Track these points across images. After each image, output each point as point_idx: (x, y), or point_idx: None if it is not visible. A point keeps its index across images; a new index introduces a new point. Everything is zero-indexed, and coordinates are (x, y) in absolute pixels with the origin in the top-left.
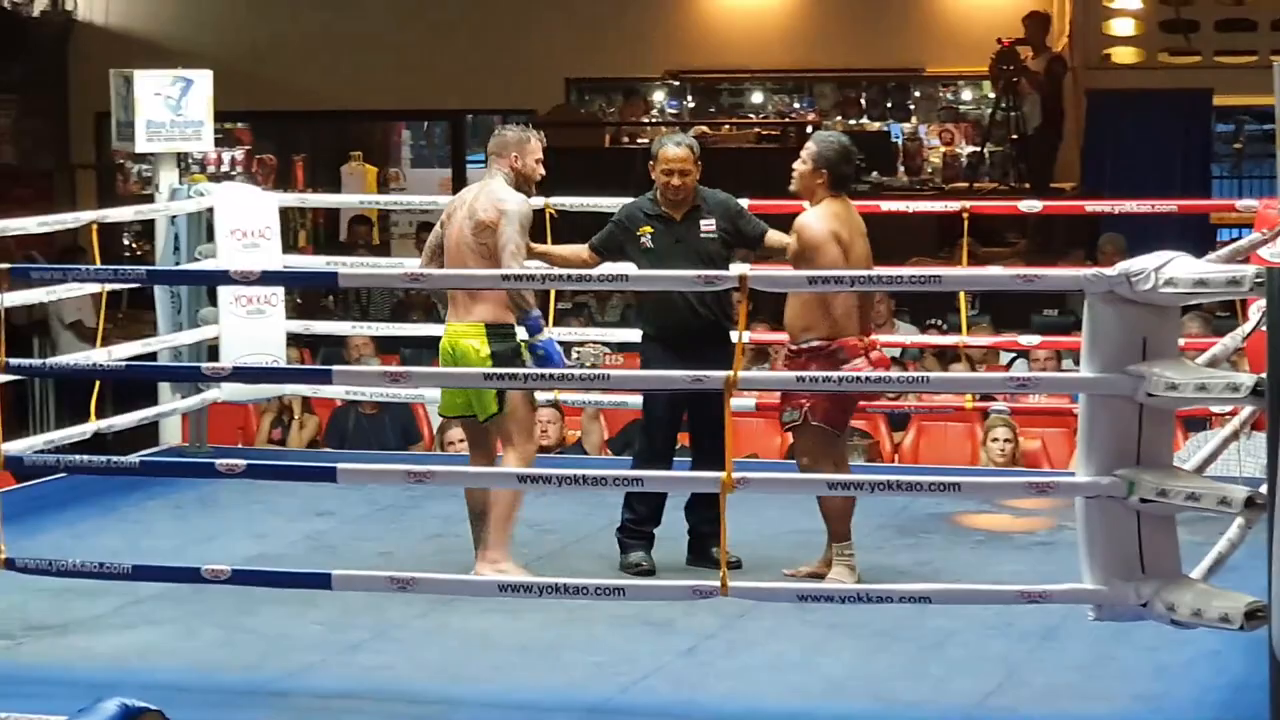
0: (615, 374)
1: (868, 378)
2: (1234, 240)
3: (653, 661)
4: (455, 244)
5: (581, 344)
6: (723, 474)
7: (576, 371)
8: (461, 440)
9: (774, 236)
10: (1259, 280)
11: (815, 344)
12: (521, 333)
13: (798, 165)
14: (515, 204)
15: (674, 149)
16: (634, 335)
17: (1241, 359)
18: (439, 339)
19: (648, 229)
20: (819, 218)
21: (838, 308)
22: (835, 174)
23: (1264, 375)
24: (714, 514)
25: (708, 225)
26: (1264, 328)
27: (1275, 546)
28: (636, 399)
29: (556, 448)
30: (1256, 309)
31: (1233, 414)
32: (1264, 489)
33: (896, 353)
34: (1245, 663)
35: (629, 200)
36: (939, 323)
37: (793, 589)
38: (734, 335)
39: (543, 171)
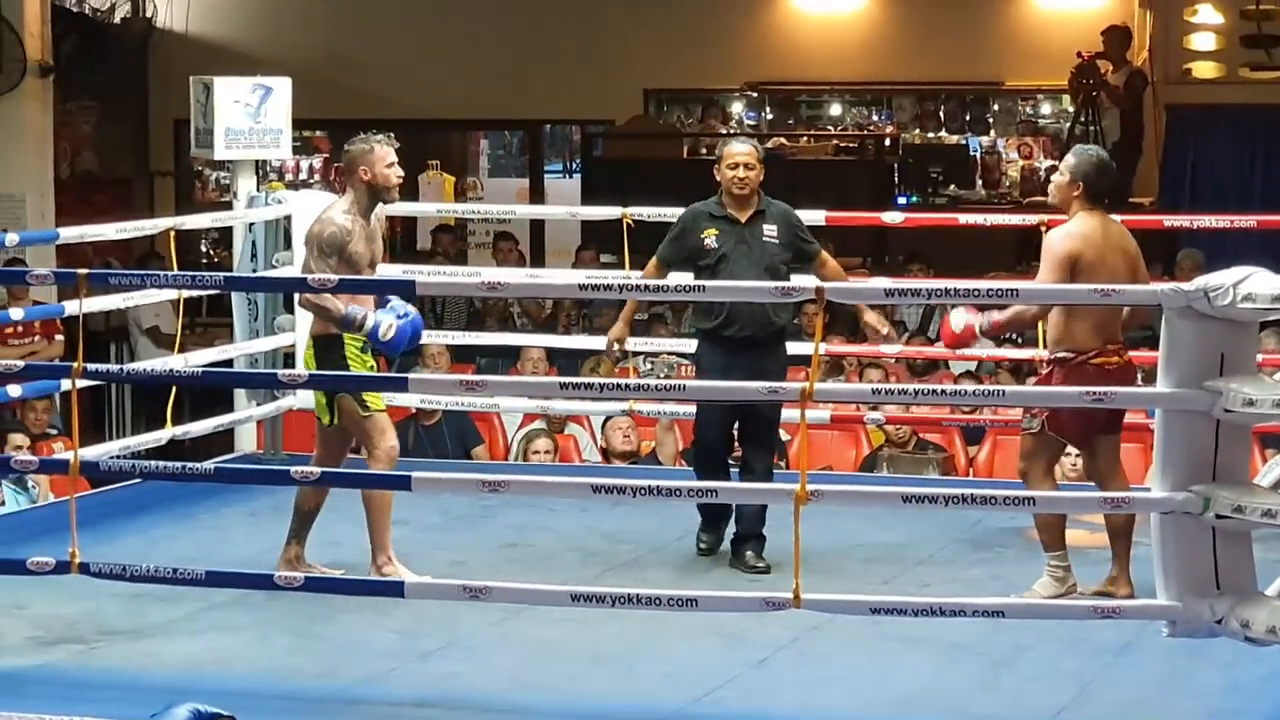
0: (691, 384)
1: (944, 391)
2: None
3: (724, 673)
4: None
5: (656, 355)
6: (796, 486)
7: (652, 382)
8: (547, 451)
9: (827, 259)
10: None
11: (1063, 354)
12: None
13: (1055, 177)
14: (324, 231)
15: (739, 144)
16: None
17: None
18: (515, 348)
19: (712, 230)
20: (1064, 235)
21: (1085, 320)
22: (1091, 187)
23: None
24: (753, 522)
25: (770, 230)
26: None
27: None
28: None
29: (632, 458)
30: None
31: None
32: None
33: (973, 366)
34: None
35: (694, 205)
36: (1016, 338)
37: (865, 601)
38: (794, 344)
39: (399, 175)
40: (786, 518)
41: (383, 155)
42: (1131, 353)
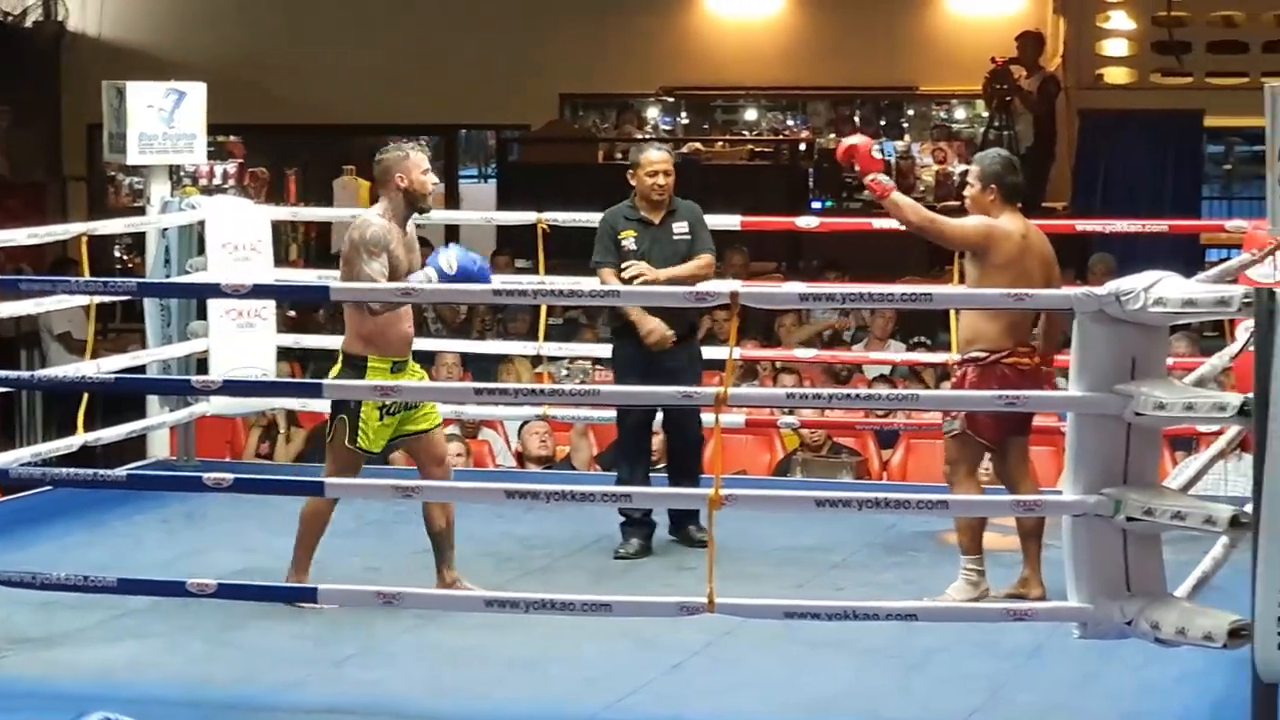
0: (605, 389)
1: (859, 395)
2: (1223, 261)
3: (638, 678)
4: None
5: (571, 360)
6: (710, 491)
7: (567, 387)
8: (458, 455)
9: (705, 259)
10: (1247, 301)
11: (975, 355)
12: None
13: (968, 191)
14: (364, 234)
15: (656, 152)
16: None
17: (1229, 378)
18: (430, 353)
19: (630, 232)
20: (990, 221)
21: (998, 321)
22: (1005, 188)
23: (1251, 395)
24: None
25: (681, 228)
26: (1251, 348)
27: (1259, 565)
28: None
29: (547, 463)
30: (1244, 329)
31: (1219, 434)
32: (1248, 508)
33: (886, 370)
34: (1229, 681)
35: (609, 210)
36: (926, 341)
37: (779, 605)
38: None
39: (434, 181)
40: (701, 522)
41: (418, 162)
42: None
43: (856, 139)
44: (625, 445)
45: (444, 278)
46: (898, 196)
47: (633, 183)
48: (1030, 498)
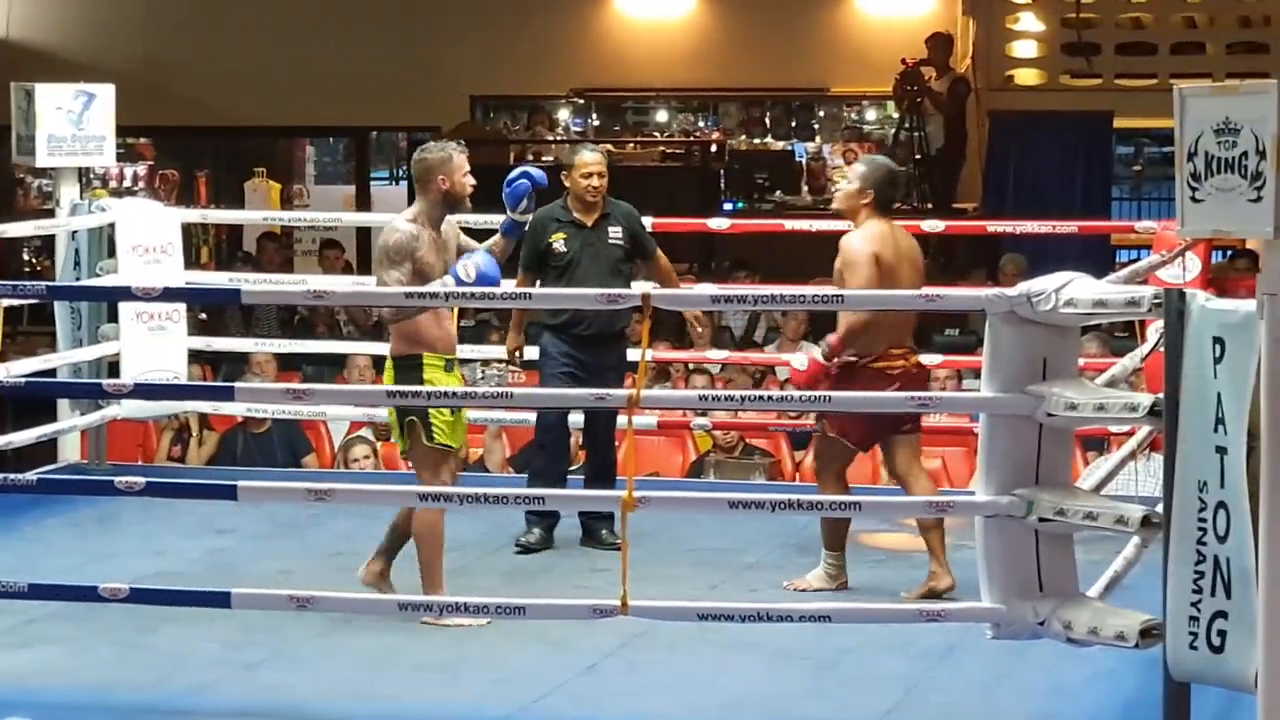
0: (519, 392)
1: (771, 396)
2: (1133, 262)
3: (552, 680)
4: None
5: (486, 362)
6: (623, 493)
7: (479, 390)
8: (366, 457)
9: (662, 258)
10: (1157, 301)
11: (848, 359)
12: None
13: (844, 185)
14: (389, 240)
15: (590, 153)
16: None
17: (1140, 379)
18: (342, 356)
19: (560, 234)
20: (863, 238)
21: (872, 326)
22: (881, 196)
23: (1161, 395)
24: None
25: (615, 232)
26: (1162, 349)
27: (1170, 565)
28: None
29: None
30: (1154, 330)
31: (1130, 434)
32: (1160, 508)
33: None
34: (1140, 680)
35: (540, 211)
36: None
37: (692, 608)
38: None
39: (473, 183)
40: (614, 526)
41: (460, 163)
42: (952, 357)
43: (801, 363)
44: (542, 444)
45: (458, 283)
46: (839, 334)
47: (566, 184)
48: (942, 499)
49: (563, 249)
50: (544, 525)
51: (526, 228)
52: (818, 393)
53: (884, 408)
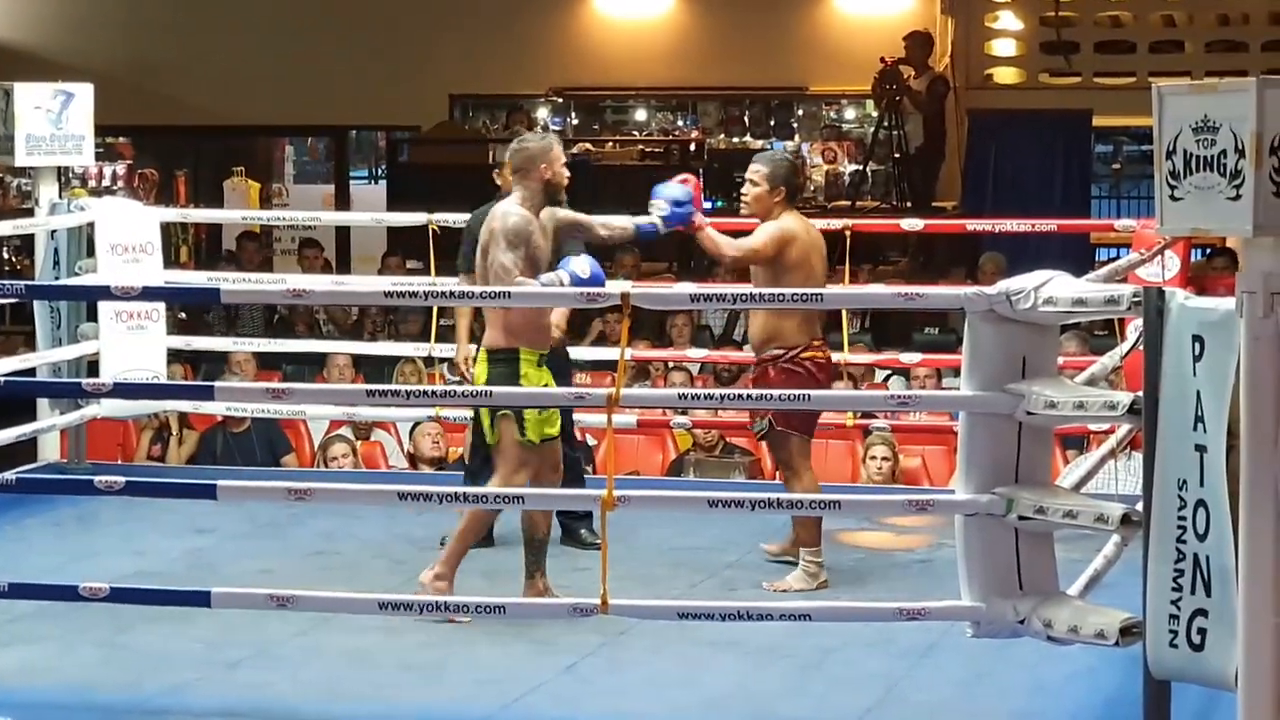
0: (498, 390)
1: (750, 395)
2: (1113, 260)
3: (532, 679)
4: (481, 271)
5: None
6: (604, 491)
7: (458, 388)
8: (345, 456)
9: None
10: (1136, 300)
11: (774, 352)
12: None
13: (750, 190)
14: (507, 226)
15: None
16: None
17: (1119, 377)
18: (321, 355)
19: None
20: (777, 225)
21: (793, 318)
22: (790, 190)
23: (1141, 394)
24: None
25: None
26: (1141, 347)
27: (1150, 563)
28: None
29: (440, 464)
30: (1134, 328)
31: (1110, 432)
32: (1139, 506)
33: None
34: (1121, 678)
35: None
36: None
37: (673, 606)
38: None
39: (568, 174)
40: (593, 525)
41: (559, 154)
42: (932, 356)
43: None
44: (476, 445)
45: (576, 281)
46: (712, 232)
47: (498, 182)
48: (921, 496)
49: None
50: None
51: (469, 226)
52: (794, 391)
53: (863, 406)
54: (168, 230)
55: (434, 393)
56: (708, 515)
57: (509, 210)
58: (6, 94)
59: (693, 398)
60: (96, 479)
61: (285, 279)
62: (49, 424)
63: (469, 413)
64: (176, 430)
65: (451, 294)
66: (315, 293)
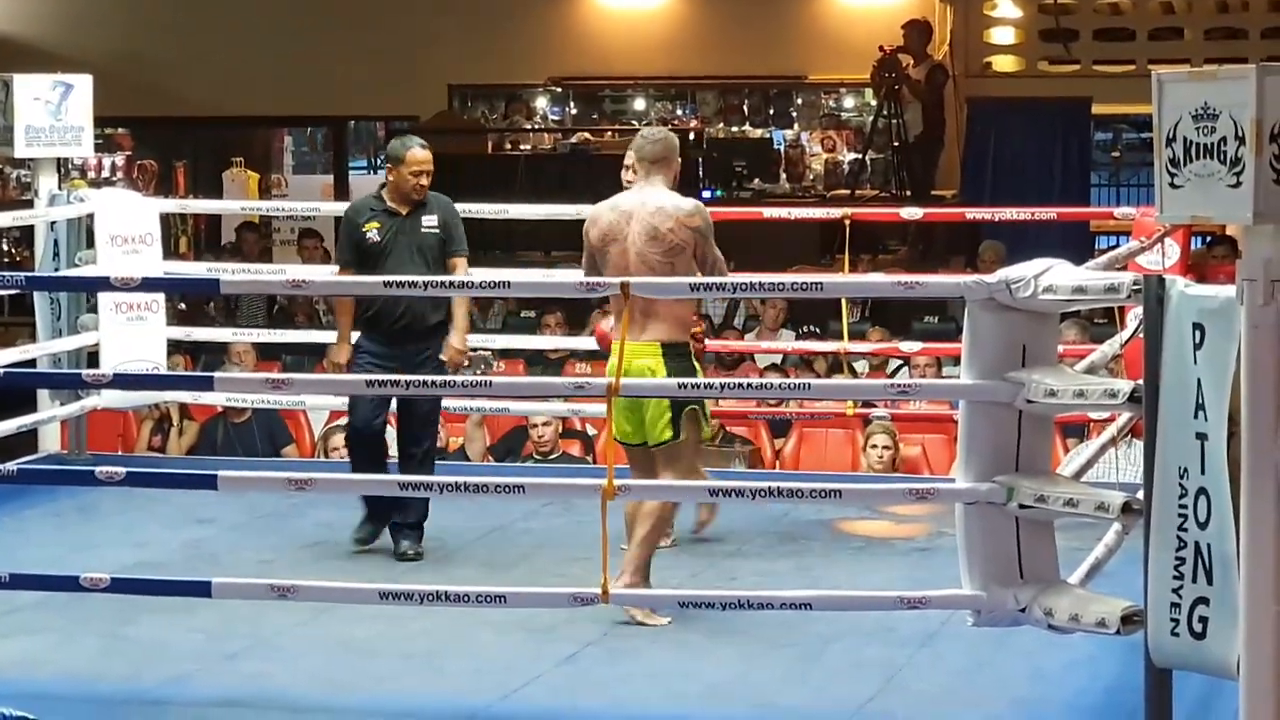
0: (498, 381)
1: (751, 384)
2: (1112, 248)
3: (532, 669)
4: (636, 262)
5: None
6: (604, 481)
7: (459, 379)
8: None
9: (460, 264)
10: (1136, 288)
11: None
12: None
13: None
14: (706, 219)
15: (421, 151)
16: (515, 342)
17: (1119, 366)
18: (321, 345)
19: (374, 223)
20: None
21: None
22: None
23: (1141, 382)
24: (416, 513)
25: (430, 221)
26: (1141, 335)
27: (1151, 551)
28: (519, 405)
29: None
30: (1134, 316)
31: (1110, 420)
32: (1140, 494)
33: (778, 359)
34: (1121, 667)
35: (353, 202)
36: (815, 330)
37: (673, 595)
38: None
39: None
40: (595, 512)
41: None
42: (931, 344)
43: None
44: (352, 443)
45: None
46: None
47: (390, 177)
48: (921, 485)
49: (376, 237)
50: (374, 520)
51: (345, 218)
52: (790, 380)
53: (864, 394)
54: (167, 221)
55: (433, 383)
56: (708, 504)
57: (695, 201)
58: (6, 85)
59: (692, 386)
60: (97, 470)
61: (285, 270)
62: (49, 415)
63: (474, 403)
64: (177, 421)
65: (447, 284)
66: (314, 283)
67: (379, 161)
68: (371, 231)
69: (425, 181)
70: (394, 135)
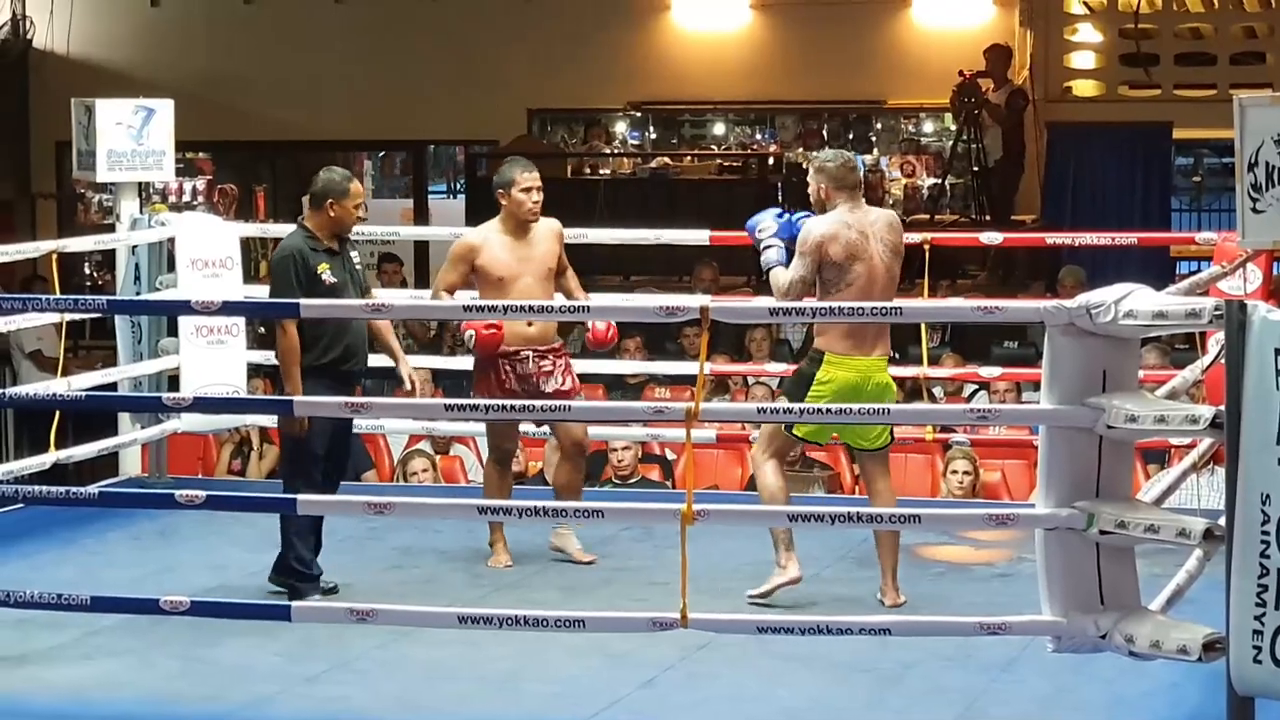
0: (576, 405)
1: (830, 410)
2: (1194, 273)
3: (611, 693)
4: (887, 279)
5: None
6: (683, 505)
7: (537, 403)
8: (425, 470)
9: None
10: (1218, 313)
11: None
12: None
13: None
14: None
15: (357, 184)
16: (591, 366)
17: (1201, 391)
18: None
19: (325, 265)
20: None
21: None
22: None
23: (1223, 408)
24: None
25: (355, 255)
26: (1222, 360)
27: (1233, 578)
28: (598, 430)
29: (519, 479)
30: (1215, 342)
31: (1192, 446)
32: (1222, 521)
33: None
34: (1202, 694)
35: (289, 244)
36: (894, 355)
37: (752, 620)
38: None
39: None
40: (674, 537)
41: None
42: (1011, 370)
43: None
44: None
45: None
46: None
47: (332, 213)
48: (1001, 511)
49: (332, 279)
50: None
51: (295, 265)
52: (868, 405)
53: (943, 420)
54: (247, 245)
55: (513, 407)
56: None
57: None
58: (88, 110)
59: (772, 412)
60: (177, 493)
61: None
62: (130, 438)
63: (543, 429)
64: (257, 445)
65: (530, 308)
66: (394, 307)
67: (458, 186)
68: (326, 274)
69: (364, 214)
70: (473, 159)
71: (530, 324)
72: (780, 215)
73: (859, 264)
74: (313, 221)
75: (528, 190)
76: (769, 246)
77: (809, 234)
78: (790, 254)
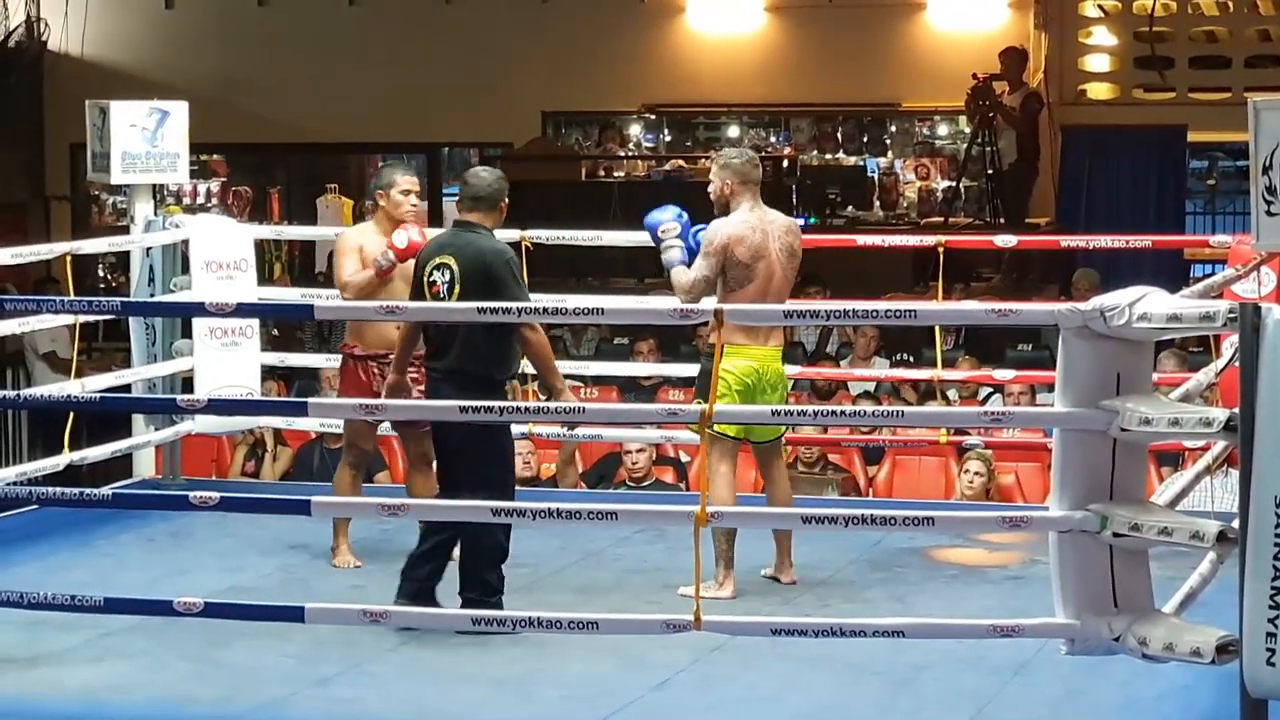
0: (591, 407)
1: (845, 412)
2: (1208, 276)
3: (624, 695)
4: (783, 278)
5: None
6: (697, 508)
7: (550, 405)
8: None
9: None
10: (1232, 316)
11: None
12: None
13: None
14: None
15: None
16: (606, 368)
17: (1215, 394)
18: None
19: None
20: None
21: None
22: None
23: (1237, 410)
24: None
25: None
26: (1237, 363)
27: (1247, 581)
28: (610, 432)
29: (532, 482)
30: (1230, 345)
31: (1205, 449)
32: (1236, 523)
33: (871, 386)
34: (1216, 697)
35: (499, 247)
36: (908, 357)
37: (766, 623)
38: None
39: None
40: (688, 539)
41: None
42: (1025, 372)
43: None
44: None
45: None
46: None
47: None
48: (1015, 513)
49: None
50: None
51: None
52: (884, 408)
53: (957, 422)
54: (261, 247)
55: (526, 409)
56: (801, 532)
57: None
58: (102, 112)
59: (785, 414)
60: (191, 494)
61: None
62: (144, 440)
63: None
64: (271, 447)
65: (545, 310)
66: (409, 309)
67: None
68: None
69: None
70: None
71: (398, 327)
72: (680, 216)
73: (761, 263)
74: (491, 221)
75: (406, 192)
76: (671, 246)
77: (715, 234)
78: (692, 253)
